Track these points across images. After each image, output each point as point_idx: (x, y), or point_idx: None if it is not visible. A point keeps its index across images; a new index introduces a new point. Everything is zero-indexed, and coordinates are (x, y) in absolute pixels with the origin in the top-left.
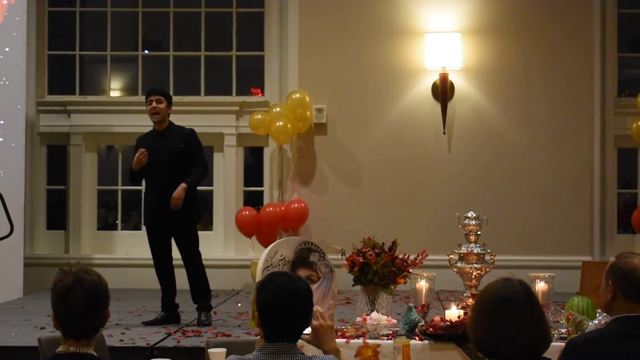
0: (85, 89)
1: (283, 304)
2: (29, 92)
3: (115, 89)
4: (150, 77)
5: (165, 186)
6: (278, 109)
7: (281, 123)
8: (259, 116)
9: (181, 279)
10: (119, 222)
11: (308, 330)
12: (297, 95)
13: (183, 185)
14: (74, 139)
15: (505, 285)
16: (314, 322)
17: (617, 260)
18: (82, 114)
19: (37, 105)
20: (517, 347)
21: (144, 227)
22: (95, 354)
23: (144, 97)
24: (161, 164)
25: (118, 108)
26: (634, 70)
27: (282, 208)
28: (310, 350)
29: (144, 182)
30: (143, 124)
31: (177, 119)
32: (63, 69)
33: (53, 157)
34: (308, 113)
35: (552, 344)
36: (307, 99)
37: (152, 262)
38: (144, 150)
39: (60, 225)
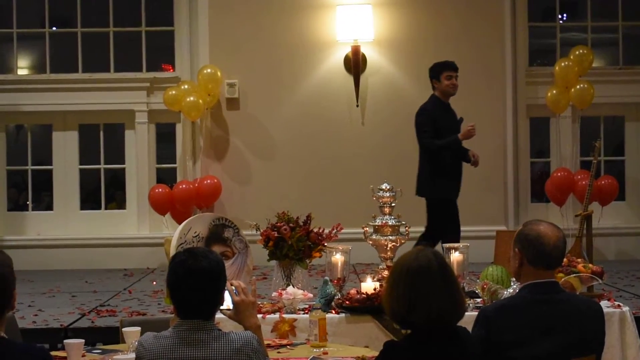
0: None
1: (184, 282)
2: None
3: (22, 67)
4: (59, 54)
5: (460, 158)
6: (186, 86)
7: (192, 98)
8: (173, 92)
9: None
10: (29, 202)
11: (230, 306)
12: (209, 70)
13: None
14: None
15: (418, 256)
16: (235, 298)
17: (523, 227)
18: None
19: None
20: (432, 317)
21: (56, 207)
22: (5, 336)
23: (52, 75)
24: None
25: (26, 86)
26: (545, 40)
27: (196, 185)
28: (227, 326)
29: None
30: (51, 102)
31: (87, 97)
32: None
33: None
34: (220, 88)
35: (468, 313)
36: (219, 74)
37: (64, 242)
38: (473, 124)
39: None
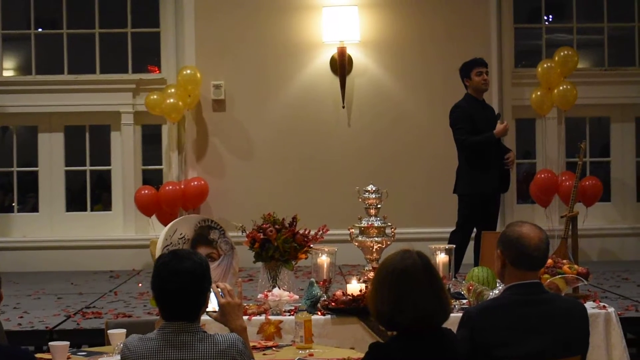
0: None
1: (167, 283)
2: None
3: (8, 68)
4: (44, 55)
5: (498, 155)
6: (173, 90)
7: (172, 100)
8: (155, 96)
9: None
10: (15, 204)
11: (216, 308)
12: (188, 71)
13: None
14: None
15: (403, 257)
16: (221, 300)
17: (505, 229)
18: None
19: None
20: (417, 318)
21: (42, 209)
22: None
23: (37, 76)
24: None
25: (12, 88)
26: (530, 41)
27: (182, 186)
28: (213, 328)
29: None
30: (37, 103)
31: (72, 98)
32: None
33: None
34: (200, 89)
35: (453, 314)
36: (198, 75)
37: (49, 244)
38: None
39: None
